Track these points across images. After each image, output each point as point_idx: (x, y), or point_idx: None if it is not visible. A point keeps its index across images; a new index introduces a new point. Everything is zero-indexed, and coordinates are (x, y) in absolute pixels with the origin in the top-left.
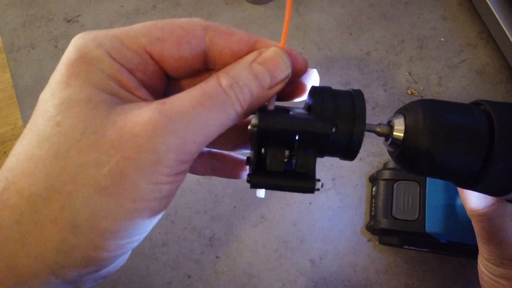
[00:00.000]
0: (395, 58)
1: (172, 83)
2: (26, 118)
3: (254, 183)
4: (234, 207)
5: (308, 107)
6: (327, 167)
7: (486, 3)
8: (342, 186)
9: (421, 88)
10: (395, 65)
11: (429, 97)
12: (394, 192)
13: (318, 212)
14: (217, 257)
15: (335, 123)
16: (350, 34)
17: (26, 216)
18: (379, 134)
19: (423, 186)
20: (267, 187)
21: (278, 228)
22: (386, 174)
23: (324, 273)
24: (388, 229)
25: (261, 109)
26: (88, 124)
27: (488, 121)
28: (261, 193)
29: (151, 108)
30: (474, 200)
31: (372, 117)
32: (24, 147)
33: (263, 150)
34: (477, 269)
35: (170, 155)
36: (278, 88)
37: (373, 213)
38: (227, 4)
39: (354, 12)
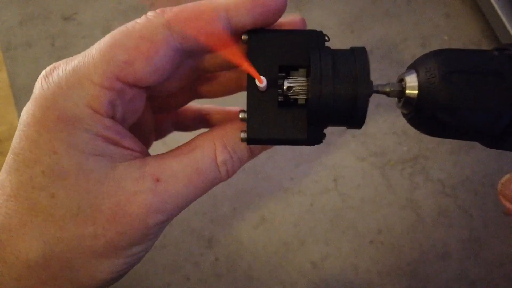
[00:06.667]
0: (398, 56)
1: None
2: None
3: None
4: (234, 208)
5: (307, 69)
6: (328, 168)
7: (489, 1)
8: (344, 187)
9: None
10: (397, 63)
11: None
12: None
13: (320, 213)
14: (216, 259)
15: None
16: (352, 31)
17: (25, 275)
18: (389, 94)
19: None
20: (263, 142)
21: (279, 230)
22: None
23: (326, 275)
24: None
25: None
26: (83, 197)
27: None
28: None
29: (145, 188)
30: None
31: (376, 117)
32: (13, 210)
33: None
34: (480, 272)
35: (156, 228)
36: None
37: None
38: None
39: (356, 9)
